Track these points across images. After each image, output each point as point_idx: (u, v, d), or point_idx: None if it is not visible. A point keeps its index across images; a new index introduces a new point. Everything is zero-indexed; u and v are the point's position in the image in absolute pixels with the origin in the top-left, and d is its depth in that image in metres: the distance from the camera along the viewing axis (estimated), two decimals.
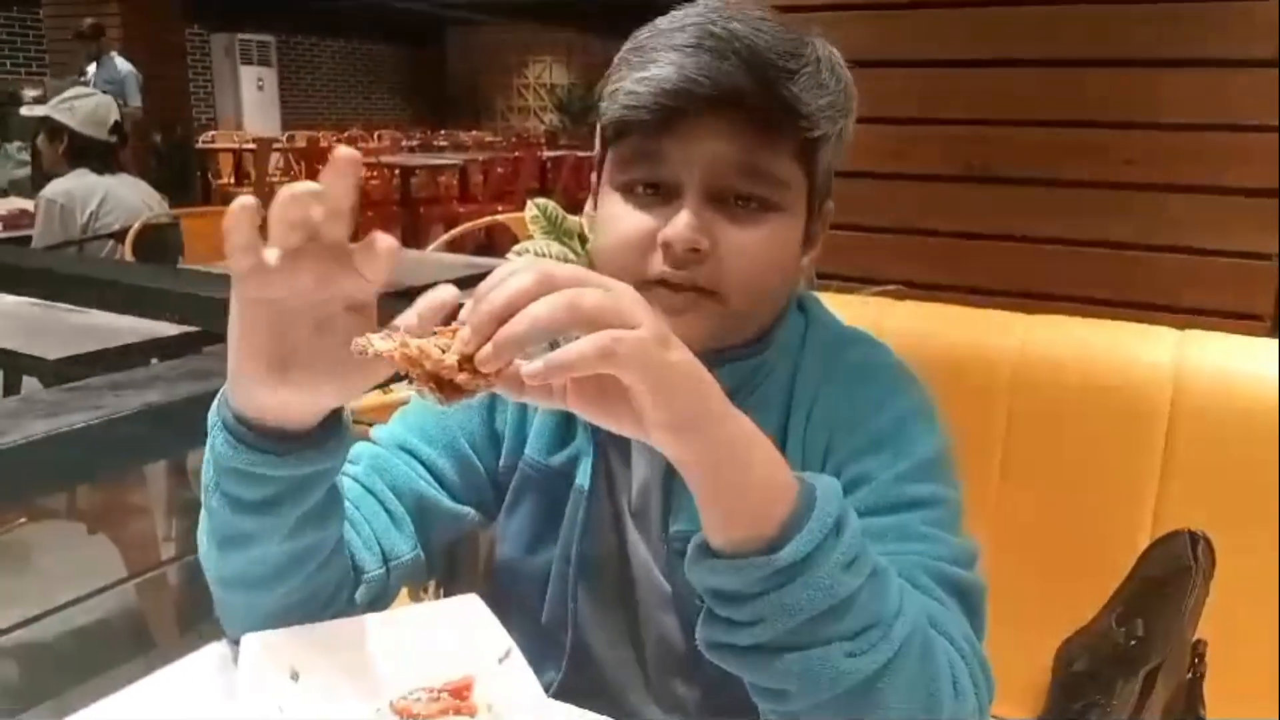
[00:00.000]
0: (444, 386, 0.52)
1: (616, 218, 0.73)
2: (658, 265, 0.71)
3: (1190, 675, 0.93)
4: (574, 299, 0.50)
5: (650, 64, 0.69)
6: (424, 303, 0.54)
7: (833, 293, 0.97)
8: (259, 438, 0.61)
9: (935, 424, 0.77)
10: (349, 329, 0.56)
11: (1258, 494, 0.99)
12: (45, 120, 3.26)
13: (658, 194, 0.72)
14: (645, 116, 0.69)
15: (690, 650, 0.77)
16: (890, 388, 0.78)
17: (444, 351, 0.51)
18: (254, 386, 0.60)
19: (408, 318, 0.54)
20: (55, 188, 3.18)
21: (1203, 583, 0.91)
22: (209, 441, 0.64)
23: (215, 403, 0.64)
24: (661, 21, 0.73)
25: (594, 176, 0.80)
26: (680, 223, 0.69)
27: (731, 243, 0.70)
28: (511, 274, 0.51)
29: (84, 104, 3.24)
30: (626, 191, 0.73)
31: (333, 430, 0.63)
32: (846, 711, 0.57)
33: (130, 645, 2.18)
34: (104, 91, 3.80)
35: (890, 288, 1.84)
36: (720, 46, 0.68)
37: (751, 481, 0.56)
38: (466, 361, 0.51)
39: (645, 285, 0.71)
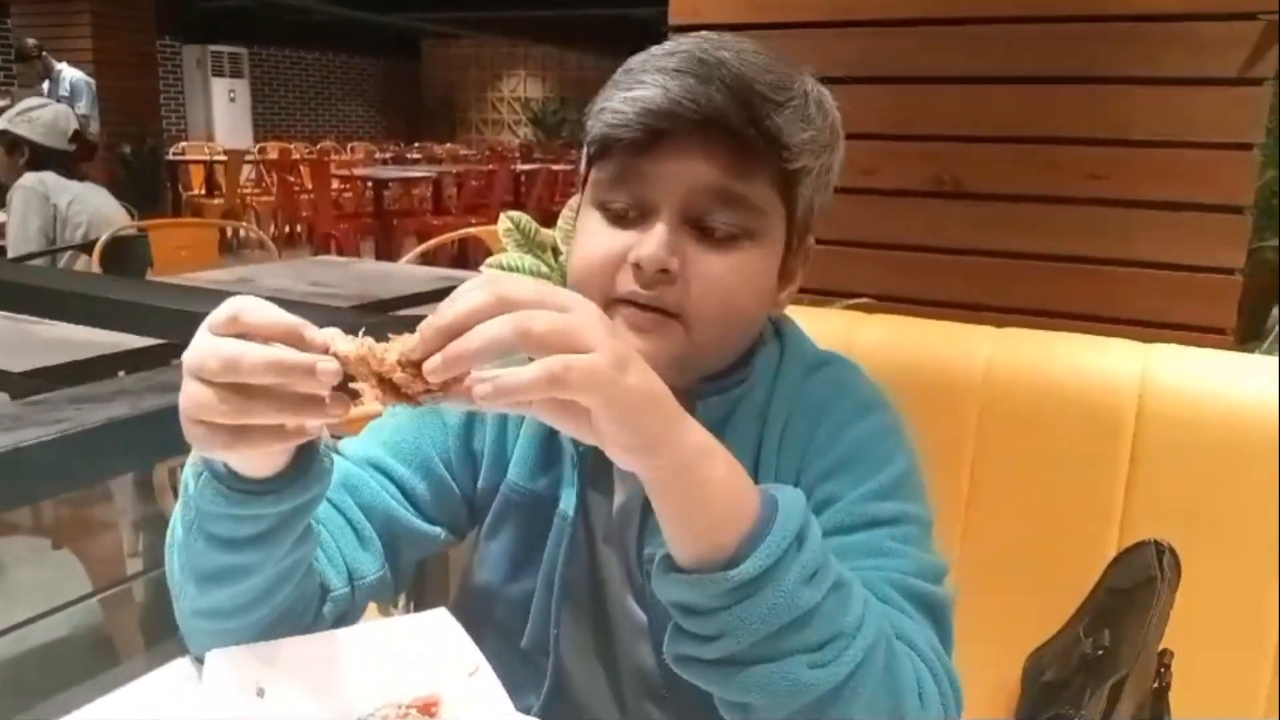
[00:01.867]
0: (385, 387, 0.52)
1: (591, 235, 0.73)
2: (626, 284, 0.70)
3: (1156, 685, 0.93)
4: (524, 321, 0.50)
5: (637, 85, 0.70)
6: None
7: (805, 306, 0.98)
8: (247, 483, 0.61)
9: (904, 442, 0.77)
10: None
11: (1222, 504, 1.01)
12: (3, 134, 3.22)
13: (633, 214, 0.72)
14: (627, 135, 0.69)
15: (665, 678, 0.77)
16: (858, 408, 0.78)
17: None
18: (256, 459, 0.60)
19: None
20: (29, 178, 3.16)
21: (1168, 593, 0.91)
22: (188, 488, 0.63)
23: (194, 455, 0.63)
24: (655, 48, 0.73)
25: (579, 195, 0.80)
26: (651, 243, 0.69)
27: (701, 267, 0.70)
28: (470, 290, 0.51)
29: (42, 114, 3.21)
30: (603, 210, 0.73)
31: (312, 460, 0.63)
32: None
33: (94, 661, 2.15)
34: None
35: (861, 300, 1.86)
36: (707, 72, 0.68)
37: (711, 498, 0.56)
38: (411, 366, 0.51)
39: (612, 303, 0.71)
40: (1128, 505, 1.04)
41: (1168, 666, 0.94)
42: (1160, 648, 0.93)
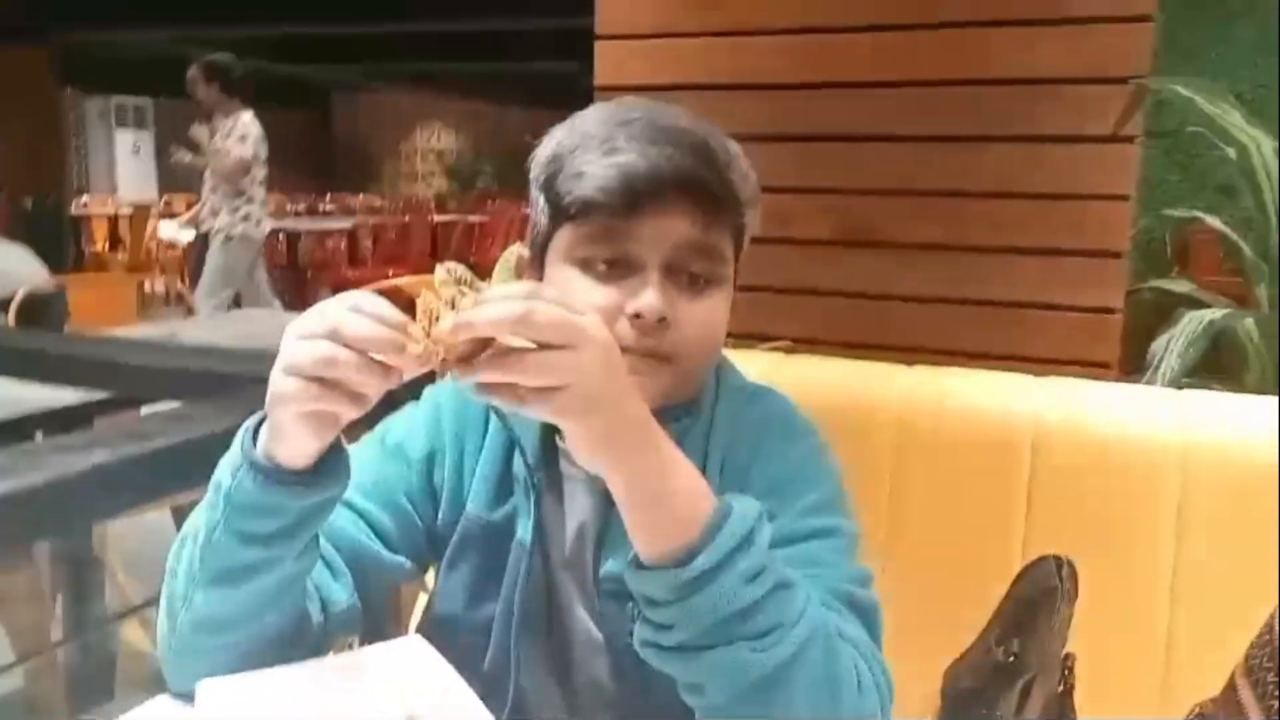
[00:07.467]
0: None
1: (575, 292, 0.79)
2: (625, 335, 0.77)
3: (1062, 687, 1.02)
4: (516, 364, 0.60)
5: (616, 151, 0.77)
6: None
7: (729, 349, 1.06)
8: (287, 474, 0.67)
9: (832, 464, 0.86)
10: None
11: (1110, 521, 1.11)
12: None
13: (617, 269, 0.79)
14: (617, 200, 0.77)
15: (618, 693, 0.83)
16: (792, 435, 0.87)
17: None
18: (306, 444, 0.66)
19: None
20: None
21: (1068, 601, 1.00)
22: (225, 484, 0.68)
23: (238, 447, 0.68)
24: (604, 112, 0.81)
25: (525, 247, 0.88)
26: (649, 296, 0.77)
27: (688, 314, 0.79)
28: (504, 298, 0.60)
29: None
30: (585, 266, 0.80)
31: (339, 457, 0.70)
32: (759, 702, 0.66)
33: None
34: None
35: (781, 343, 1.96)
36: (677, 139, 0.78)
37: (673, 505, 0.65)
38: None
39: None
40: (1029, 523, 1.13)
41: (1071, 669, 1.02)
42: (1064, 652, 1.02)
